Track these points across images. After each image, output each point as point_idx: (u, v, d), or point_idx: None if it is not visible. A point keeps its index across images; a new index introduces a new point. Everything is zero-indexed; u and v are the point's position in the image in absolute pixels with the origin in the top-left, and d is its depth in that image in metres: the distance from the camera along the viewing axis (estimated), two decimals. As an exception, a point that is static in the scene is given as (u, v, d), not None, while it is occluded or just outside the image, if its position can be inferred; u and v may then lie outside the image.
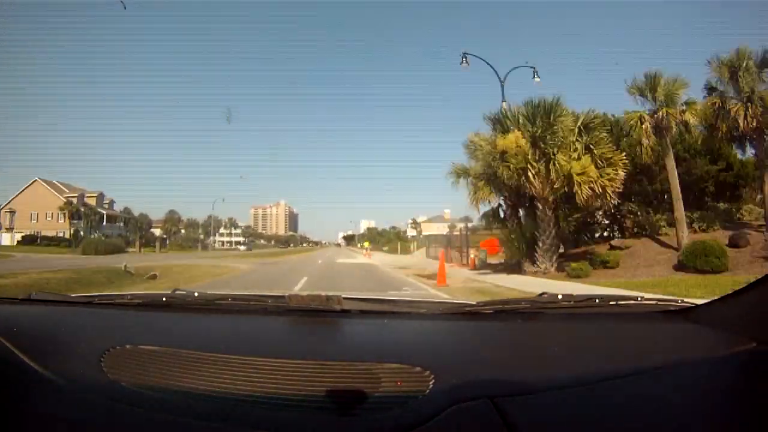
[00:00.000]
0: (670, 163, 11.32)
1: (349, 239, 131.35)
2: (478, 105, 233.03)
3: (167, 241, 58.32)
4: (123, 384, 0.79)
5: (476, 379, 0.73)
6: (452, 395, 0.69)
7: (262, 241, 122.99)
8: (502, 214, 13.27)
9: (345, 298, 1.08)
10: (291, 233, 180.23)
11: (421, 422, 0.64)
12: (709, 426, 0.64)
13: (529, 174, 10.24)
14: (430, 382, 0.72)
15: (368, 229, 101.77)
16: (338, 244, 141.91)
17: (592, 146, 10.27)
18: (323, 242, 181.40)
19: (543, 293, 1.12)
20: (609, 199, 10.24)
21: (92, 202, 51.94)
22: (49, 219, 48.04)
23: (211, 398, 0.74)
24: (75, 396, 0.78)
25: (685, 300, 1.05)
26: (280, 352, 0.84)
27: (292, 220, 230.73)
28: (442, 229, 40.25)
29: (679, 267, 9.52)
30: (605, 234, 15.24)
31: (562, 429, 0.63)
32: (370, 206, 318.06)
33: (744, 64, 11.02)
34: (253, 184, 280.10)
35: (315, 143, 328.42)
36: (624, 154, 10.45)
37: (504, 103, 12.91)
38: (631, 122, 11.35)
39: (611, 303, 1.09)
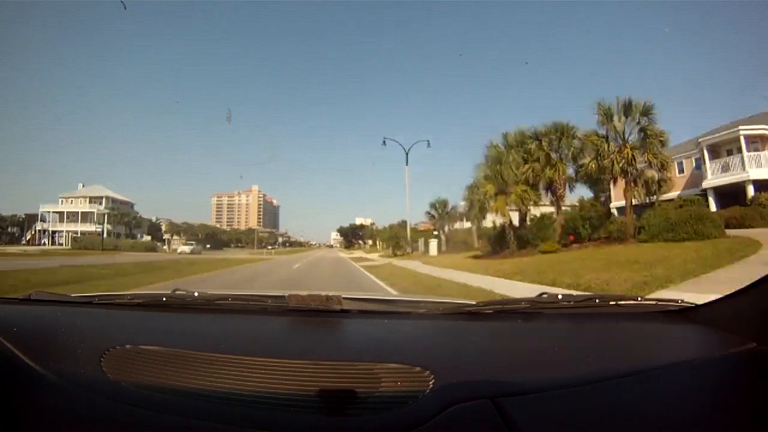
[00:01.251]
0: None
1: (351, 235, 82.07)
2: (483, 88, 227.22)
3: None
4: (123, 384, 0.79)
5: (476, 379, 0.74)
6: (452, 395, 0.69)
7: (172, 240, 62.58)
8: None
9: (345, 298, 1.08)
10: (251, 227, 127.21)
11: (421, 422, 0.64)
12: (710, 426, 0.64)
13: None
14: (430, 382, 0.72)
15: (437, 203, 33.53)
16: (330, 246, 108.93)
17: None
18: (311, 243, 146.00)
19: (543, 293, 1.13)
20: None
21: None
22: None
23: (211, 398, 0.74)
24: (75, 396, 0.78)
25: (685, 300, 1.05)
26: (280, 352, 0.84)
27: (269, 212, 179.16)
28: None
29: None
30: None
31: (562, 429, 0.63)
32: (373, 201, 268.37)
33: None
34: (228, 170, 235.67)
35: (306, 127, 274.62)
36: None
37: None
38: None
39: (611, 303, 1.09)
